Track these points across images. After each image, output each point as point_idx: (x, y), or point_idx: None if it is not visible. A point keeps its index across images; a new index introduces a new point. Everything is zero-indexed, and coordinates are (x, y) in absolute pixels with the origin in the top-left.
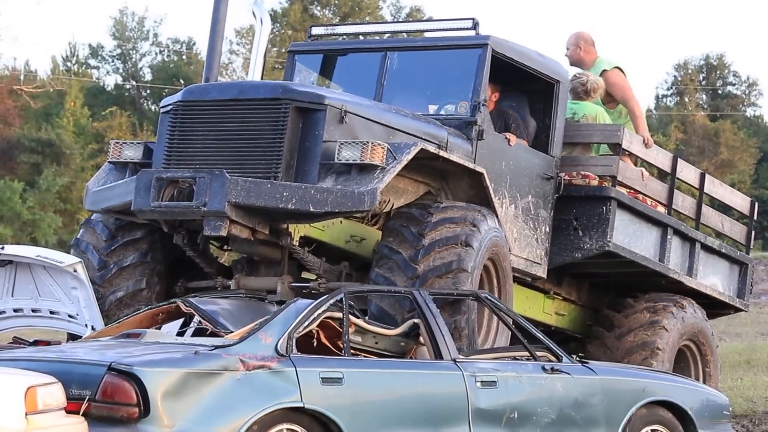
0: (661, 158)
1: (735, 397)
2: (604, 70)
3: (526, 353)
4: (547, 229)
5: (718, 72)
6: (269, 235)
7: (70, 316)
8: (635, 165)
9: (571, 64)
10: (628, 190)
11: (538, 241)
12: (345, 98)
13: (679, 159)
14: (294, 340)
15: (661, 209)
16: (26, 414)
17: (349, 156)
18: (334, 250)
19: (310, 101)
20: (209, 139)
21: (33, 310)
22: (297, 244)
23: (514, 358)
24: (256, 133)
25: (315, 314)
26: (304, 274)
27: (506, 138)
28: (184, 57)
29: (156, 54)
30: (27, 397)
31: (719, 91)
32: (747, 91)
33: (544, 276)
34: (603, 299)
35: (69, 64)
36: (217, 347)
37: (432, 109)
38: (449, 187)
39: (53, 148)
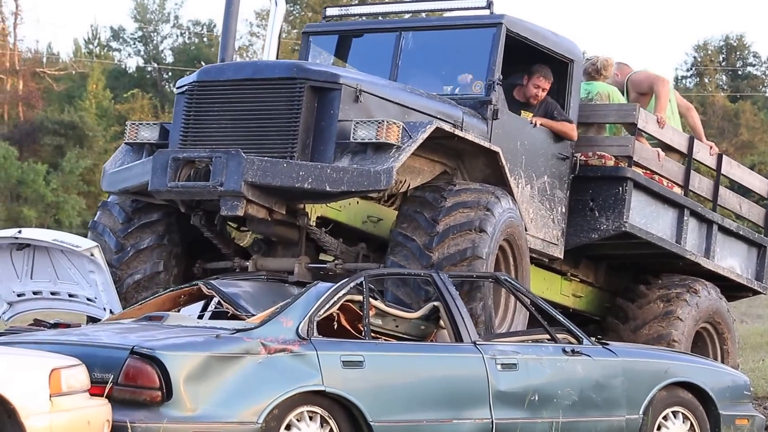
0: (678, 139)
1: (757, 379)
2: (629, 78)
3: (547, 335)
4: (564, 210)
5: (737, 53)
6: (286, 215)
7: (88, 299)
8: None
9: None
10: (644, 171)
11: (555, 222)
12: (360, 77)
13: (695, 140)
14: (315, 324)
15: (677, 190)
16: (50, 396)
17: (365, 135)
18: (351, 230)
19: (325, 80)
20: (225, 118)
21: (52, 293)
22: (314, 224)
23: (535, 341)
24: (272, 113)
25: (336, 297)
26: (322, 256)
27: (532, 122)
28: (204, 39)
29: (177, 36)
30: (51, 379)
31: (739, 72)
32: (767, 72)
33: (561, 257)
34: (620, 281)
35: (91, 46)
36: (238, 331)
37: (448, 90)
38: (465, 167)
39: (76, 131)
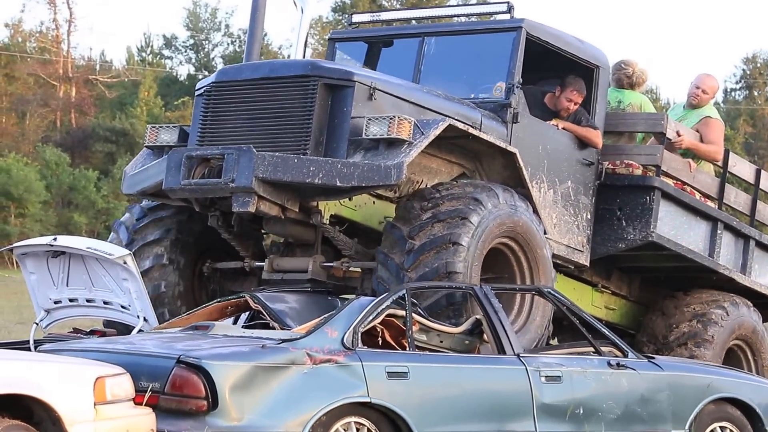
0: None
1: None
2: (709, 116)
3: (591, 348)
4: (589, 216)
5: None
6: (299, 213)
7: (122, 306)
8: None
9: (689, 105)
10: (675, 182)
11: (580, 228)
12: (374, 76)
13: (731, 153)
14: (359, 335)
15: (712, 204)
16: (95, 404)
17: (377, 131)
18: (368, 231)
19: (339, 78)
20: (241, 117)
21: (87, 300)
22: (327, 222)
23: (580, 354)
24: (286, 111)
25: (378, 309)
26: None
27: (555, 125)
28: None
29: (228, 44)
30: (96, 387)
31: None
32: None
33: (587, 264)
34: (655, 295)
35: (143, 54)
36: (284, 341)
37: (471, 95)
38: (483, 169)
39: (127, 138)
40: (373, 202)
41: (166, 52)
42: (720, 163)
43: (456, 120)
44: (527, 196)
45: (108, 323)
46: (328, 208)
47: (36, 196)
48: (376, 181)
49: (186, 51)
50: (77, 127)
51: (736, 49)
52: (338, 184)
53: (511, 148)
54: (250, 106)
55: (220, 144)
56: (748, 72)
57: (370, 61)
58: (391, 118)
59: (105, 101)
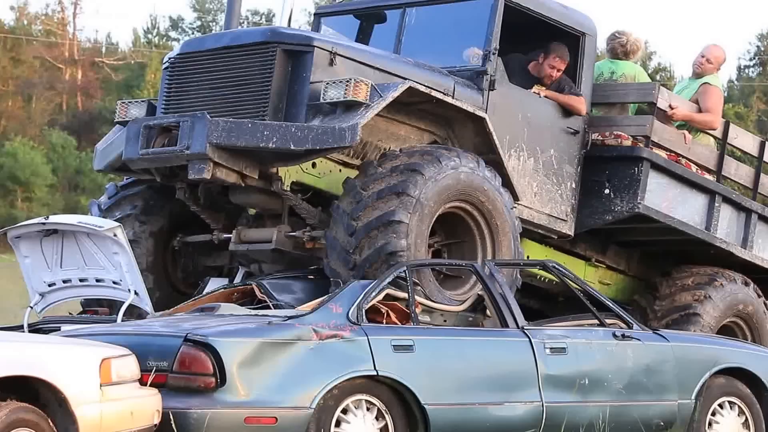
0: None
1: None
2: (706, 83)
3: (596, 321)
4: (574, 186)
5: None
6: (260, 181)
7: (114, 282)
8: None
9: (695, 75)
10: (668, 154)
11: (563, 197)
12: (335, 41)
13: (732, 125)
14: (363, 311)
15: (710, 177)
16: (101, 385)
17: (334, 95)
18: (332, 199)
19: (298, 43)
20: (203, 87)
21: (81, 280)
22: (288, 189)
23: (586, 326)
24: (246, 78)
25: (379, 287)
26: None
27: (537, 93)
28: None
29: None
30: (101, 369)
31: None
32: None
33: (571, 233)
34: (654, 270)
35: (150, 36)
36: (290, 318)
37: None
38: (455, 135)
39: None
40: (339, 170)
41: (172, 34)
42: (717, 132)
43: (422, 86)
44: (499, 164)
45: (99, 302)
46: (289, 174)
47: (42, 179)
48: (331, 144)
49: (193, 32)
50: (83, 110)
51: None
52: (292, 147)
53: (479, 113)
54: (211, 75)
55: (183, 113)
56: (762, 48)
57: (357, 35)
58: (347, 81)
59: (111, 84)
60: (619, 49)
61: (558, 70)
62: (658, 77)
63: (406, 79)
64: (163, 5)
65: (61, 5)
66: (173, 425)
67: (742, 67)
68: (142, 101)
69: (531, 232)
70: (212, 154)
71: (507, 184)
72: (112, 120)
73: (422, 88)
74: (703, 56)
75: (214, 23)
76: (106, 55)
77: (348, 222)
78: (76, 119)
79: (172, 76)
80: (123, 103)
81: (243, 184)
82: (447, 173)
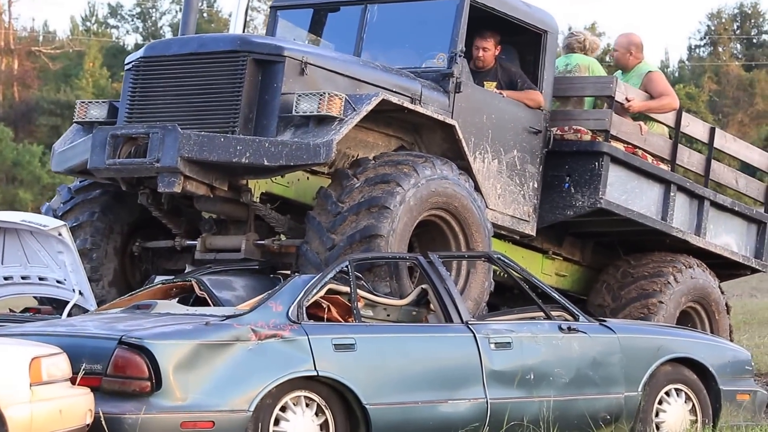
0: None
1: (761, 355)
2: (650, 71)
3: (542, 313)
4: (536, 185)
5: (752, 20)
6: (229, 192)
7: (58, 281)
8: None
9: (617, 66)
10: (625, 146)
11: (526, 198)
12: (306, 50)
13: (684, 113)
14: (304, 309)
15: (665, 167)
16: (31, 385)
17: (307, 108)
18: (302, 207)
19: (268, 53)
20: (169, 94)
21: (23, 278)
22: (258, 200)
23: (530, 319)
24: (215, 87)
25: (321, 283)
26: None
27: (500, 93)
28: (205, 15)
29: (176, 12)
30: (31, 368)
31: (754, 40)
32: None
33: (533, 234)
34: (608, 260)
35: (88, 23)
36: (228, 317)
37: (433, 64)
38: (423, 141)
39: (72, 110)
40: (307, 178)
41: (111, 22)
42: (670, 121)
43: (391, 93)
44: (467, 170)
45: (42, 301)
46: (259, 185)
47: None
48: (305, 160)
49: (133, 20)
50: (20, 101)
51: (701, 4)
52: (266, 163)
53: (449, 121)
54: (178, 82)
55: (149, 121)
56: (713, 28)
57: (315, 30)
58: (321, 95)
59: (49, 73)
60: (576, 46)
61: (485, 50)
62: (607, 58)
63: (375, 85)
64: None
65: None
66: (105, 429)
67: (692, 46)
68: (103, 102)
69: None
70: (183, 168)
71: (477, 188)
72: (49, 110)
73: (394, 99)
74: (616, 51)
75: (154, 9)
76: (44, 44)
77: (326, 236)
78: (13, 110)
79: (136, 81)
80: (83, 103)
81: (211, 196)
82: (423, 183)
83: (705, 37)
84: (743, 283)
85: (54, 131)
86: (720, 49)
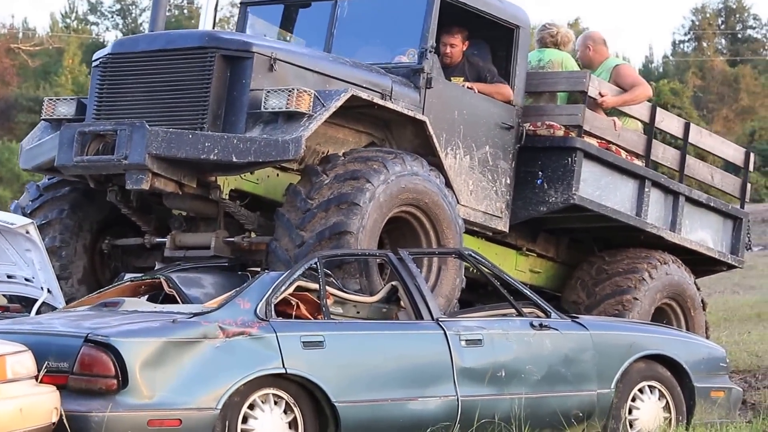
0: (638, 108)
1: (740, 352)
2: (617, 65)
3: (513, 310)
4: (508, 181)
5: (737, 15)
6: (198, 189)
7: (26, 279)
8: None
9: (583, 65)
10: (599, 141)
11: (498, 194)
12: (275, 46)
13: (659, 109)
14: (272, 307)
15: (639, 162)
16: None
17: (276, 104)
18: (272, 204)
19: (237, 49)
20: (138, 91)
21: None
22: (227, 197)
23: (502, 316)
24: (183, 84)
25: (290, 280)
26: None
27: (470, 88)
28: (185, 11)
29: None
30: None
31: (739, 35)
32: None
33: (506, 230)
34: (583, 256)
35: (68, 20)
36: (195, 315)
37: (403, 60)
38: (394, 137)
39: None
40: (277, 175)
41: (91, 18)
42: (644, 116)
43: (361, 88)
44: (438, 166)
45: (10, 299)
46: (228, 182)
47: None
48: (274, 157)
49: (112, 16)
50: None
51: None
52: (234, 159)
53: (420, 117)
54: (146, 79)
55: (117, 118)
56: (697, 23)
57: (286, 25)
58: (290, 91)
59: (28, 70)
60: (549, 40)
61: (452, 46)
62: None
63: (345, 81)
64: None
65: None
66: (67, 428)
67: (677, 42)
68: (71, 99)
69: (465, 228)
70: (151, 165)
71: (448, 184)
72: (29, 107)
73: (364, 95)
74: (582, 47)
75: (133, 6)
76: (23, 41)
77: (296, 233)
78: None
79: (104, 77)
80: (51, 100)
81: (180, 193)
82: (393, 179)
83: (689, 33)
84: (726, 279)
85: (33, 128)
86: (704, 45)
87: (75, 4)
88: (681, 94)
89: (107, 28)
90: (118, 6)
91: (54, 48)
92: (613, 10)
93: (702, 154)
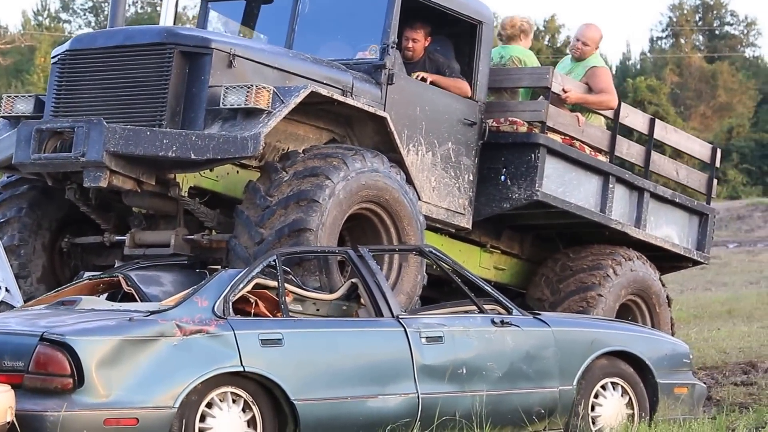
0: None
1: (708, 348)
2: (594, 66)
3: (475, 307)
4: (471, 178)
5: (714, 12)
6: (156, 186)
7: None
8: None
9: (573, 58)
10: (563, 137)
11: (461, 191)
12: (234, 42)
13: (623, 104)
14: (230, 304)
15: (604, 158)
16: None
17: (234, 101)
18: (232, 201)
19: (195, 45)
20: (96, 88)
21: None
22: (186, 194)
23: (463, 313)
24: (142, 80)
25: (248, 278)
26: None
27: (423, 79)
28: (158, 9)
29: (129, 5)
30: None
31: (716, 32)
32: (745, 31)
33: (469, 227)
34: (547, 253)
35: (40, 18)
36: (152, 313)
37: (365, 56)
38: (355, 134)
39: None
40: (237, 172)
41: (63, 16)
42: (613, 112)
43: (322, 85)
44: (400, 162)
45: None
46: (187, 180)
47: None
48: (232, 153)
49: (85, 14)
50: None
51: None
52: (193, 156)
53: (381, 113)
54: (104, 75)
55: (75, 115)
56: (675, 19)
57: (248, 21)
58: (249, 87)
59: (0, 69)
60: (509, 31)
61: (415, 41)
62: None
63: (305, 77)
64: None
65: None
66: (17, 428)
67: (654, 38)
68: (29, 96)
69: (428, 225)
70: (109, 162)
71: (409, 181)
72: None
73: (324, 91)
74: (578, 40)
75: (106, 4)
76: None
77: (255, 230)
78: None
79: (62, 74)
80: (9, 97)
81: (139, 190)
82: (353, 176)
83: (667, 29)
84: (698, 276)
85: None
86: (682, 41)
87: (47, 2)
88: (658, 91)
89: (79, 26)
90: (90, 4)
91: (26, 46)
92: (590, 7)
93: (677, 151)
